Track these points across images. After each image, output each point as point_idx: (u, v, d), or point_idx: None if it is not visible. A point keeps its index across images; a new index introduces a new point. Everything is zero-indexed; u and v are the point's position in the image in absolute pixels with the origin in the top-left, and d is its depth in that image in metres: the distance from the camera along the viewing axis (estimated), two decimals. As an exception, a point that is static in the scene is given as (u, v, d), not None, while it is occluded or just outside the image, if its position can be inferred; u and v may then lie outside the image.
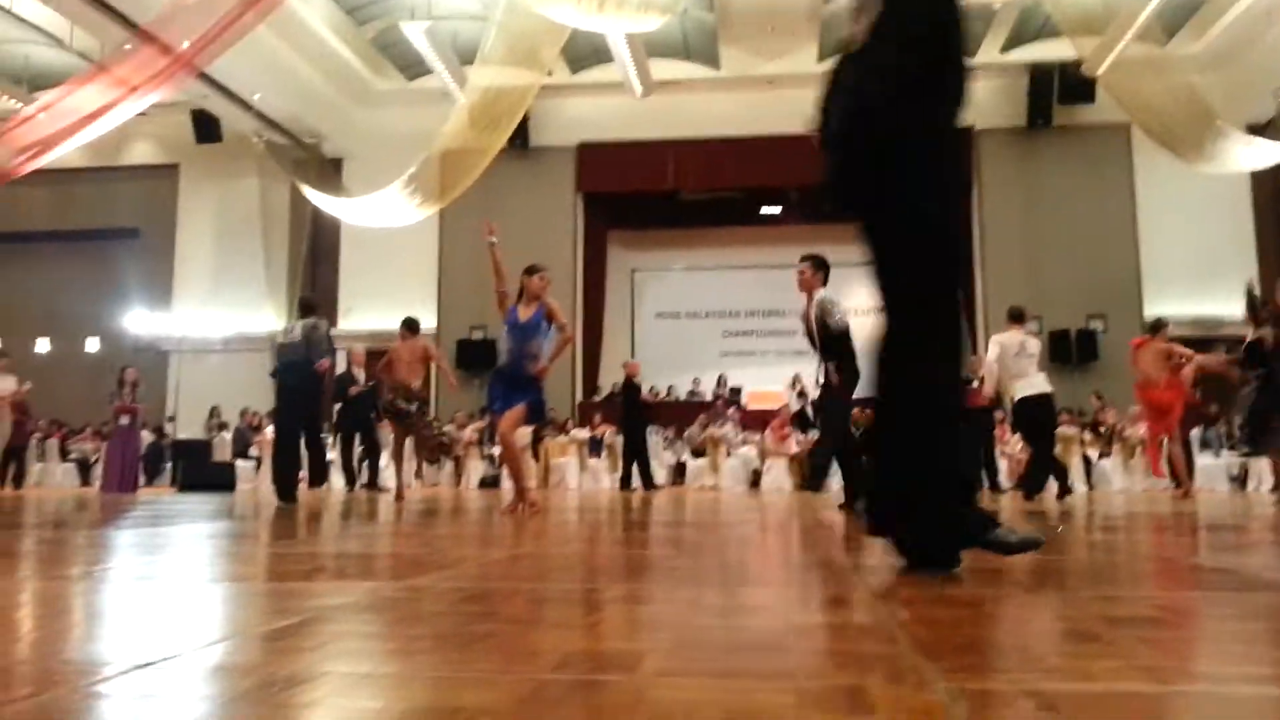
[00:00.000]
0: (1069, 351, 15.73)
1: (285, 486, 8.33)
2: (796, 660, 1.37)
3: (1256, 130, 14.25)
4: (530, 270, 6.32)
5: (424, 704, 1.08)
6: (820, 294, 6.47)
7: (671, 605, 1.94)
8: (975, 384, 10.72)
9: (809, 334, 6.56)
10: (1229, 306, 15.71)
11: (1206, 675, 1.27)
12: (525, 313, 6.17)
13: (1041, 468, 8.60)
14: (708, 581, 2.45)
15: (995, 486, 11.26)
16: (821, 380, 6.49)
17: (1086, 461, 13.16)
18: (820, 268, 6.59)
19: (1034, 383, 8.27)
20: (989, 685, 1.19)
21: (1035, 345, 8.50)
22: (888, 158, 2.34)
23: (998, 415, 11.95)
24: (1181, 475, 9.32)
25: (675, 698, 1.12)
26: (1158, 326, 9.36)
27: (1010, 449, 13.29)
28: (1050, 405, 8.47)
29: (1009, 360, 8.31)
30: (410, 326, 9.38)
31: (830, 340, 6.38)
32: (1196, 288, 15.78)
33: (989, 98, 16.62)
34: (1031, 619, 1.76)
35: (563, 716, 1.04)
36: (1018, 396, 8.39)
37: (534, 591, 2.24)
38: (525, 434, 14.53)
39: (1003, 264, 16.30)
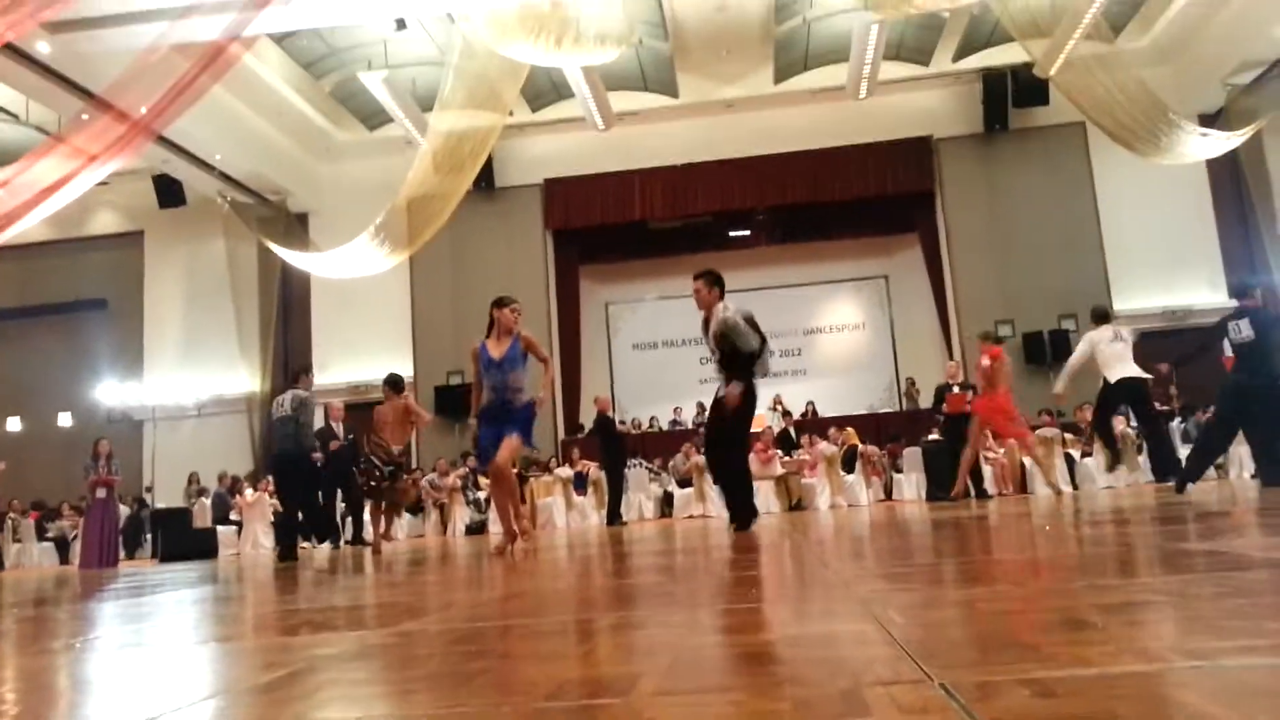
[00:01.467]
0: (1043, 352, 15.84)
1: (285, 548, 9.00)
2: (791, 670, 1.36)
3: (1208, 120, 14.54)
4: (499, 302, 6.09)
5: (416, 742, 1.07)
6: (725, 310, 6.37)
7: (666, 629, 1.93)
8: (955, 389, 10.80)
9: (712, 350, 6.53)
10: (1197, 296, 15.95)
11: (1197, 652, 1.27)
12: (498, 349, 5.94)
13: (1165, 448, 8.95)
14: (701, 604, 2.43)
15: (981, 493, 11.26)
16: (721, 393, 6.38)
17: (1069, 461, 13.22)
18: (715, 283, 6.50)
19: (1128, 368, 8.43)
20: (985, 677, 1.18)
21: (1129, 334, 8.65)
22: None
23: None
24: (964, 480, 9.78)
25: (672, 715, 1.11)
26: (1000, 339, 9.95)
27: (994, 454, 13.35)
28: (1144, 389, 8.52)
29: (1104, 349, 8.52)
30: (394, 385, 9.48)
31: (734, 357, 6.30)
32: (1163, 279, 15.99)
33: (945, 106, 16.86)
34: (1024, 612, 1.75)
35: (557, 743, 1.03)
36: (1113, 379, 8.49)
37: (527, 627, 2.21)
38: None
39: (971, 270, 16.45)
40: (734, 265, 18.99)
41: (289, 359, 17.65)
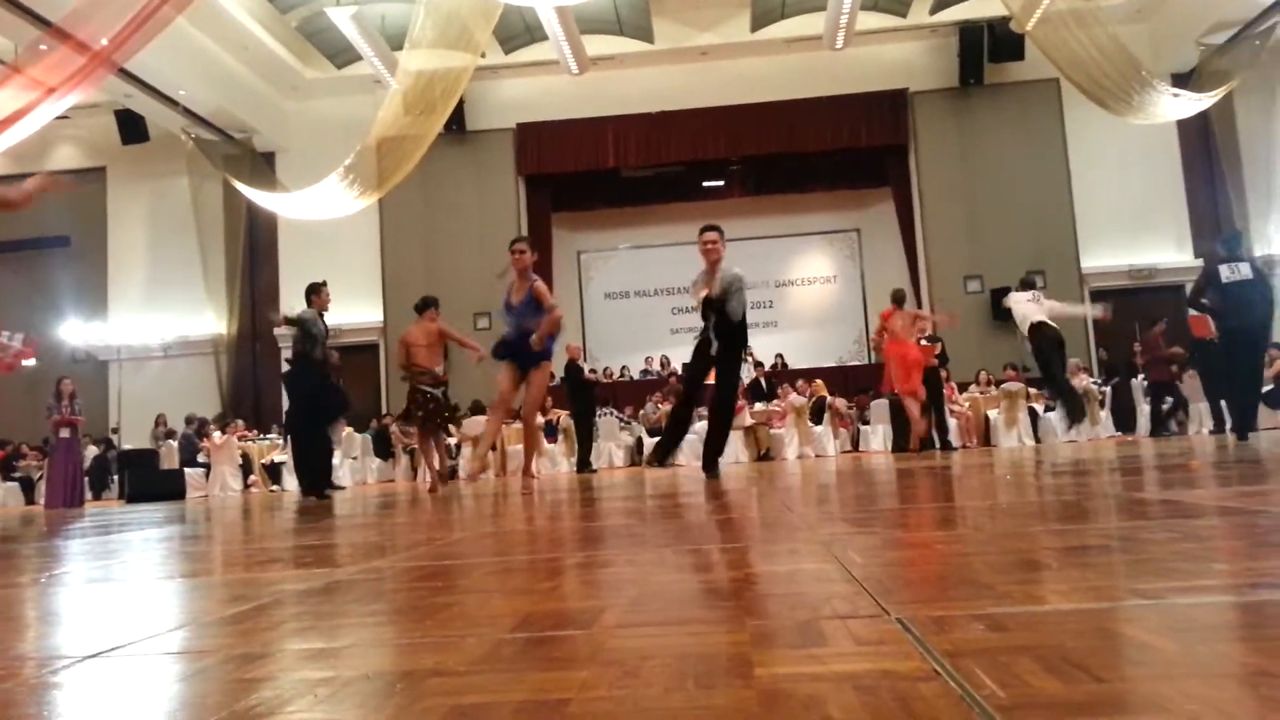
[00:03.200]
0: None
1: (307, 480, 8.33)
2: (752, 604, 1.39)
3: (1180, 79, 14.56)
4: (510, 246, 6.53)
5: (378, 669, 1.08)
6: (731, 269, 6.51)
7: (632, 566, 1.95)
8: (923, 342, 10.94)
9: (708, 302, 6.56)
10: (1163, 256, 16.12)
11: (1146, 591, 1.31)
12: (517, 293, 6.37)
13: (1067, 393, 10.13)
14: (667, 544, 2.46)
15: (946, 445, 11.44)
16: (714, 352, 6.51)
17: (1033, 415, 13.42)
18: (723, 237, 6.66)
19: (1040, 316, 9.71)
20: (940, 612, 1.21)
21: (1043, 298, 10.06)
22: None
23: (943, 374, 12.14)
24: (918, 430, 10.43)
25: (632, 646, 1.13)
26: (900, 298, 10.79)
27: (958, 407, 13.53)
28: (1056, 331, 9.72)
29: (1020, 306, 9.83)
30: (418, 306, 8.94)
31: (725, 318, 6.42)
32: (1131, 238, 16.13)
33: (921, 59, 16.77)
34: (981, 554, 1.79)
35: (518, 670, 1.04)
36: (1034, 321, 9.68)
37: (496, 564, 2.24)
38: (480, 424, 14.46)
39: (942, 225, 16.50)
40: (707, 216, 18.72)
41: (256, 301, 17.45)
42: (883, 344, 10.87)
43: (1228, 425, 10.59)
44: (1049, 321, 9.67)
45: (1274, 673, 0.88)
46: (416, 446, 14.25)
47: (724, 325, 6.43)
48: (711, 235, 6.62)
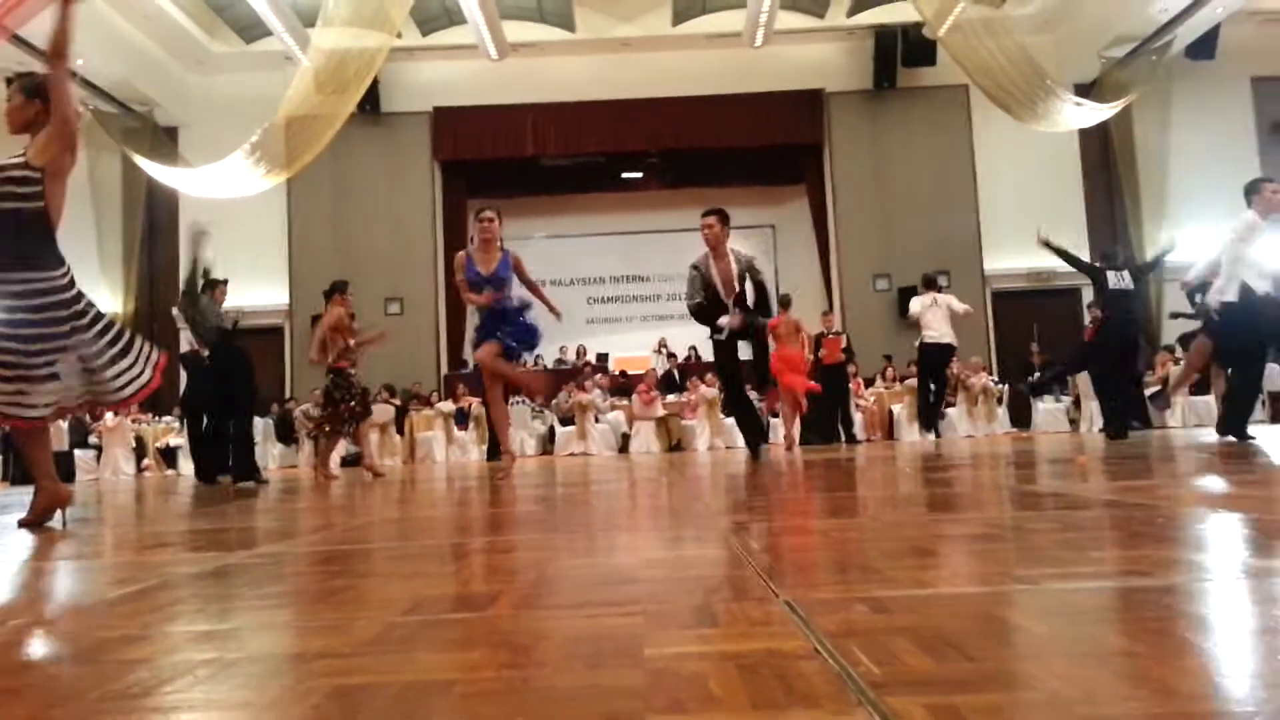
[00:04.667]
0: (917, 306, 16.41)
1: (202, 471, 8.32)
2: (649, 589, 1.40)
3: (1083, 90, 15.12)
4: (477, 214, 6.10)
5: (263, 652, 1.06)
6: (739, 250, 6.76)
7: (534, 552, 1.95)
8: (829, 336, 11.14)
9: (726, 287, 6.62)
10: (1061, 260, 16.73)
11: (1026, 577, 1.36)
12: (487, 264, 5.89)
13: (936, 404, 10.42)
14: (572, 531, 2.47)
15: (851, 438, 11.71)
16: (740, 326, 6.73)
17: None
18: (726, 221, 6.66)
19: (940, 333, 9.91)
20: (827, 595, 1.24)
21: (945, 301, 10.13)
22: None
23: (850, 370, 12.41)
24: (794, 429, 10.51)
25: (526, 628, 1.13)
26: (787, 303, 10.59)
27: (864, 402, 13.84)
28: (948, 351, 10.11)
29: (926, 314, 9.98)
30: (327, 293, 8.59)
31: (757, 293, 6.72)
32: (1031, 241, 16.55)
33: (837, 60, 17.05)
34: (873, 541, 1.84)
35: (407, 652, 1.04)
36: (927, 341, 9.96)
37: (395, 549, 2.21)
38: (389, 411, 14.22)
39: (854, 223, 16.82)
40: (625, 207, 19.02)
41: (154, 281, 16.85)
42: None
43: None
44: (947, 341, 9.96)
45: (1135, 653, 0.93)
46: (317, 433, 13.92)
47: (758, 309, 6.74)
48: (709, 219, 6.58)
